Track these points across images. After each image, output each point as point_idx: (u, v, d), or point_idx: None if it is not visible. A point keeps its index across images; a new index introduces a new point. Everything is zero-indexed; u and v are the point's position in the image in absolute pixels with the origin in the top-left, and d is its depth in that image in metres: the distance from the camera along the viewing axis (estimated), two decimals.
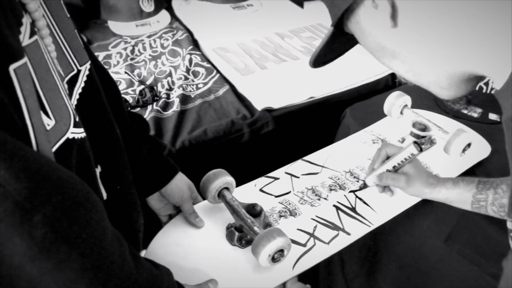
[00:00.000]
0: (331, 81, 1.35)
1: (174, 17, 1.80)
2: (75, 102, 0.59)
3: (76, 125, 0.53)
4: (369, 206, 0.91)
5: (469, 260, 0.94)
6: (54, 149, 0.49)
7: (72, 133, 0.52)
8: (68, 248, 0.43)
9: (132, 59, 1.50)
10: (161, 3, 1.81)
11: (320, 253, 0.82)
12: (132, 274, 0.51)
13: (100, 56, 1.50)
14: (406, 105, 1.08)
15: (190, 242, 0.84)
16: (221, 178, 0.85)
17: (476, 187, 0.79)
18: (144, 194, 0.84)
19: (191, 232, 0.86)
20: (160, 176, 0.84)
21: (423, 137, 1.02)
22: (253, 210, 0.82)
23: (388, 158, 0.90)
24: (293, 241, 0.82)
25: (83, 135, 0.55)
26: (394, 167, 0.88)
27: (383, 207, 0.91)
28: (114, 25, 1.71)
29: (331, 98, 1.31)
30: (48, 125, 0.48)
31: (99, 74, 0.70)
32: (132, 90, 1.29)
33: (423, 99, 1.20)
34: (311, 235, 0.84)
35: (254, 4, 1.90)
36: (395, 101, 1.08)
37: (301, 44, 1.58)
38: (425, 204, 1.00)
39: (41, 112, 0.47)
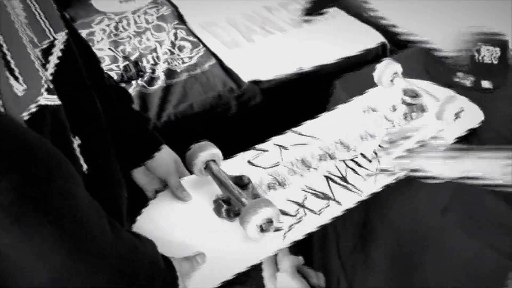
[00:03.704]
0: (320, 52, 1.32)
1: None
2: (52, 73, 0.56)
3: (50, 92, 0.51)
4: (360, 175, 0.89)
5: (467, 232, 0.92)
6: (26, 115, 0.47)
7: (45, 99, 0.50)
8: (39, 215, 0.41)
9: (116, 35, 1.46)
10: None
11: (310, 224, 0.80)
12: (111, 245, 0.48)
13: (84, 33, 1.46)
14: (396, 73, 1.06)
15: (177, 217, 0.82)
16: (208, 150, 0.82)
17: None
18: (129, 168, 0.82)
19: (178, 206, 0.83)
20: (144, 149, 0.82)
21: (414, 104, 1.00)
22: (241, 182, 0.80)
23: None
24: (283, 212, 0.80)
25: (58, 103, 0.53)
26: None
27: (374, 176, 0.89)
28: (97, 2, 1.66)
29: (320, 69, 1.28)
30: (18, 90, 0.46)
31: (78, 45, 0.67)
32: (117, 66, 1.26)
33: (414, 69, 1.17)
34: (301, 205, 0.82)
35: None
36: (385, 69, 1.05)
37: (290, 16, 1.54)
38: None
39: (10, 76, 0.45)
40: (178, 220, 0.81)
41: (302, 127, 1.01)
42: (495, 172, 0.76)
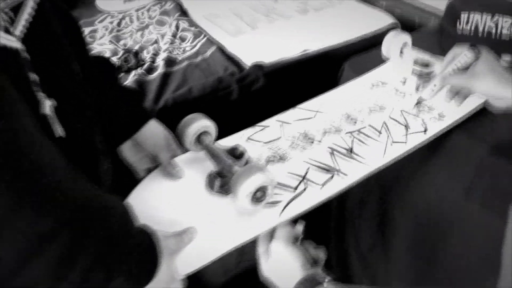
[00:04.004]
0: (327, 35, 1.25)
1: None
2: (23, 30, 0.54)
3: (7, 32, 0.48)
4: (368, 146, 0.81)
5: (493, 210, 0.83)
6: None
7: (3, 38, 0.48)
8: None
9: (118, 30, 1.43)
10: None
11: (312, 197, 0.72)
12: (65, 189, 0.43)
13: (86, 31, 1.43)
14: (406, 44, 0.99)
15: (169, 195, 0.75)
16: (200, 121, 0.76)
17: None
18: (116, 142, 0.76)
19: (170, 184, 0.77)
20: (131, 121, 0.76)
21: (427, 74, 0.92)
22: (234, 152, 0.74)
23: None
24: (282, 185, 0.73)
25: (18, 47, 0.50)
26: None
27: (383, 148, 0.81)
28: (101, 2, 1.64)
29: (328, 52, 1.21)
30: None
31: (58, 12, 0.64)
32: (117, 59, 1.22)
33: (430, 48, 1.09)
34: (303, 178, 0.75)
35: None
36: (393, 39, 0.98)
37: (296, 4, 1.48)
38: (438, 156, 0.91)
39: None
40: (169, 199, 0.75)
41: (307, 103, 0.94)
42: None
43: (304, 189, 0.73)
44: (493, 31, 1.15)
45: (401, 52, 0.99)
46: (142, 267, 0.55)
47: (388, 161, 0.79)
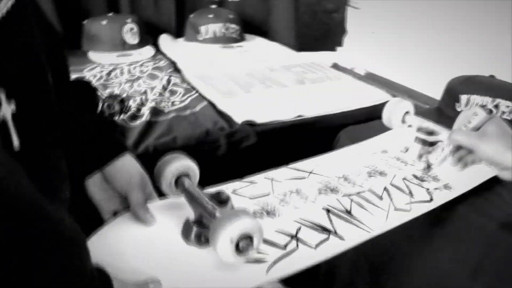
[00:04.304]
0: (323, 103, 1.21)
1: (158, 51, 1.71)
2: None
3: None
4: (368, 211, 0.72)
5: None
6: None
7: None
8: None
9: (106, 80, 1.37)
10: (146, 40, 1.73)
11: (304, 257, 0.61)
12: None
13: (72, 76, 1.37)
14: (408, 112, 0.94)
15: (136, 242, 0.64)
16: (180, 162, 0.67)
17: None
18: (83, 173, 0.66)
19: (139, 231, 0.66)
20: (103, 151, 0.67)
21: (431, 143, 0.86)
22: (218, 198, 0.64)
23: None
24: (270, 243, 0.63)
25: None
26: None
27: (385, 214, 0.72)
28: (94, 55, 1.61)
29: (323, 119, 1.16)
30: None
31: (37, 17, 0.58)
32: (100, 103, 1.14)
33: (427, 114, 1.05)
34: (293, 237, 0.65)
35: (243, 46, 1.83)
36: (395, 106, 0.93)
37: (292, 76, 1.46)
38: (442, 231, 0.82)
39: None
40: (136, 246, 0.63)
41: (300, 163, 0.86)
42: None
43: (296, 248, 0.63)
44: (493, 111, 1.12)
45: (403, 121, 0.93)
46: None
47: (390, 227, 0.69)
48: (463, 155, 0.76)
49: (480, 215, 0.78)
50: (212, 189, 0.68)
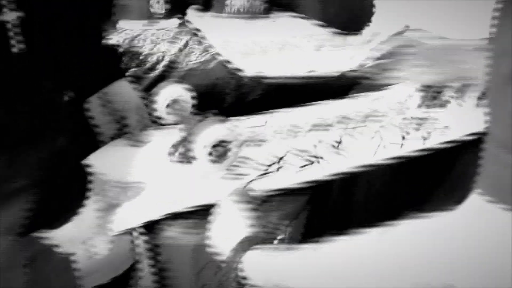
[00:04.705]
0: (338, 61, 1.20)
1: (184, 23, 1.74)
2: None
3: None
4: (359, 141, 0.72)
5: None
6: None
7: None
8: None
9: (128, 43, 1.42)
10: (174, 10, 1.77)
11: (283, 179, 0.62)
12: None
13: None
14: None
15: (128, 160, 0.67)
16: (175, 87, 0.70)
17: None
18: (84, 94, 0.70)
19: (132, 150, 0.69)
20: (100, 75, 0.70)
21: (434, 91, 0.85)
22: (205, 117, 0.66)
23: None
24: (254, 161, 0.64)
25: None
26: None
27: (374, 148, 0.71)
28: (122, 24, 1.66)
29: (335, 76, 1.15)
30: None
31: None
32: None
33: None
34: (278, 159, 0.66)
35: (269, 20, 1.84)
36: None
37: (312, 41, 1.46)
38: None
39: None
40: (128, 162, 0.66)
41: (301, 109, 0.87)
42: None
43: (278, 169, 0.64)
44: None
45: None
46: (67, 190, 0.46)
47: (377, 161, 0.69)
48: None
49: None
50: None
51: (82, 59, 0.68)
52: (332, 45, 1.43)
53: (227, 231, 0.49)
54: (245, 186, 0.59)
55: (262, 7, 1.87)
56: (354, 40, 1.49)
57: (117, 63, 0.73)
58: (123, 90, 0.71)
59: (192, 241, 0.56)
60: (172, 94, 0.69)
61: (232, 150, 0.56)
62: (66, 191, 0.47)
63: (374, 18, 2.26)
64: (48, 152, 0.44)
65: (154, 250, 0.64)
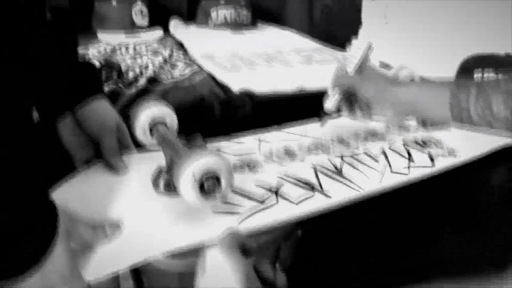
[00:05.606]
0: (327, 78, 1.14)
1: (167, 34, 1.68)
2: None
3: None
4: (361, 171, 0.66)
5: None
6: None
7: None
8: None
9: (109, 55, 1.34)
10: (156, 22, 1.70)
11: (283, 212, 0.56)
12: None
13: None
14: (412, 78, 0.87)
15: (105, 190, 0.60)
16: (157, 107, 0.63)
17: (456, 84, 0.56)
18: (54, 115, 0.62)
19: (110, 179, 0.62)
20: (75, 93, 0.63)
21: None
22: (192, 143, 0.59)
23: None
24: (247, 196, 0.57)
25: None
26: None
27: (379, 175, 0.65)
28: (103, 35, 1.59)
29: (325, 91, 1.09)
30: None
31: None
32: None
33: None
34: (274, 192, 0.59)
35: (254, 32, 1.79)
36: (398, 72, 0.87)
37: (299, 58, 1.40)
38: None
39: None
40: (105, 194, 0.59)
41: (294, 127, 0.81)
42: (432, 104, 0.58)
43: (276, 203, 0.57)
44: None
45: None
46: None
47: (384, 187, 0.63)
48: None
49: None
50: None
51: (55, 74, 0.61)
52: (320, 60, 1.38)
53: (218, 286, 0.42)
54: (239, 223, 0.52)
55: (249, 18, 1.82)
56: (341, 55, 1.44)
57: (94, 80, 0.66)
58: (100, 110, 0.63)
59: (178, 266, 0.49)
60: (155, 116, 0.62)
61: (224, 182, 0.49)
62: (28, 234, 0.39)
63: (361, 31, 2.24)
64: (7, 184, 0.37)
65: (138, 275, 0.57)
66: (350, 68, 0.69)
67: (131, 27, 1.61)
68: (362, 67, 0.69)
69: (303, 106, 1.06)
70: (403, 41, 1.94)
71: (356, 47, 0.68)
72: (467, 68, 1.12)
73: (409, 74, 0.84)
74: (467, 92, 0.55)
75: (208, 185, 0.48)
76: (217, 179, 0.49)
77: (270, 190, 0.59)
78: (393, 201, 0.63)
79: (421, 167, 0.68)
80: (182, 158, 0.48)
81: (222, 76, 1.15)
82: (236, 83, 1.07)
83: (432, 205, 0.65)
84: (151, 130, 0.62)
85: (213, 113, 0.95)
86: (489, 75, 1.07)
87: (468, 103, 0.55)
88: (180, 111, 0.93)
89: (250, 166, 0.65)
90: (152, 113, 0.62)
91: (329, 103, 0.72)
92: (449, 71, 1.26)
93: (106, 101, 0.65)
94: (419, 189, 0.65)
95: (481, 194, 0.70)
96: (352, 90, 0.68)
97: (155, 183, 0.58)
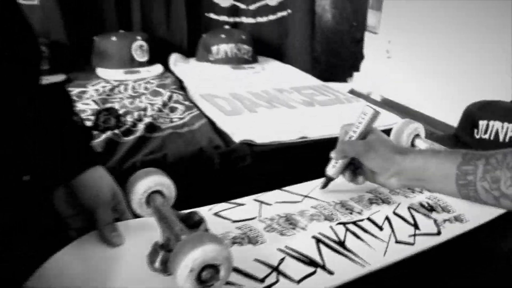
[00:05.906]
0: (330, 125, 1.13)
1: (167, 70, 1.67)
2: None
3: None
4: (365, 242, 0.63)
5: None
6: None
7: None
8: None
9: (108, 95, 1.33)
10: (156, 58, 1.69)
11: None
12: None
13: (75, 91, 1.33)
14: (418, 135, 0.85)
15: (97, 265, 0.57)
16: (153, 177, 0.61)
17: (463, 156, 0.55)
18: (48, 186, 0.60)
19: (103, 252, 0.59)
20: (69, 163, 0.60)
21: None
22: (190, 220, 0.56)
23: None
24: (246, 275, 0.55)
25: None
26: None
27: (384, 247, 0.63)
28: (102, 71, 1.58)
29: (328, 140, 1.08)
30: None
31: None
32: (95, 117, 1.10)
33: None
34: (274, 269, 0.57)
35: (255, 67, 1.78)
36: (405, 128, 0.85)
37: (301, 97, 1.39)
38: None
39: None
40: (98, 269, 0.56)
41: (295, 186, 0.78)
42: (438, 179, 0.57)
43: (276, 282, 0.55)
44: None
45: (413, 144, 0.85)
46: None
47: (390, 262, 0.60)
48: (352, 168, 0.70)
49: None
50: (187, 211, 0.61)
51: (47, 139, 0.58)
52: (322, 101, 1.36)
53: None
54: None
55: (250, 53, 1.81)
56: (344, 97, 1.43)
57: (89, 149, 0.64)
58: (95, 180, 0.61)
59: None
60: (151, 188, 0.60)
61: (222, 273, 0.47)
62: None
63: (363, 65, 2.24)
64: None
65: None
66: (355, 135, 0.67)
67: (131, 63, 1.61)
68: (366, 132, 0.67)
69: (305, 157, 1.05)
70: (405, 76, 1.94)
71: (362, 113, 0.67)
72: (471, 115, 1.10)
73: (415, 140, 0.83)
74: (474, 168, 0.53)
75: (206, 275, 0.46)
76: (215, 268, 0.46)
77: (270, 267, 0.57)
78: (397, 269, 0.60)
79: (427, 235, 0.66)
80: (179, 246, 0.46)
81: (222, 122, 1.13)
82: (237, 131, 1.06)
83: (437, 272, 0.62)
84: (147, 200, 0.60)
85: (212, 164, 0.93)
86: (494, 123, 1.05)
87: (475, 181, 0.53)
88: (178, 163, 0.92)
89: (250, 238, 0.62)
90: (148, 183, 0.60)
91: (332, 169, 0.70)
92: (452, 108, 1.25)
93: (101, 169, 0.63)
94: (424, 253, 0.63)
95: (490, 261, 0.67)
96: (356, 158, 0.66)
97: (151, 260, 0.56)
